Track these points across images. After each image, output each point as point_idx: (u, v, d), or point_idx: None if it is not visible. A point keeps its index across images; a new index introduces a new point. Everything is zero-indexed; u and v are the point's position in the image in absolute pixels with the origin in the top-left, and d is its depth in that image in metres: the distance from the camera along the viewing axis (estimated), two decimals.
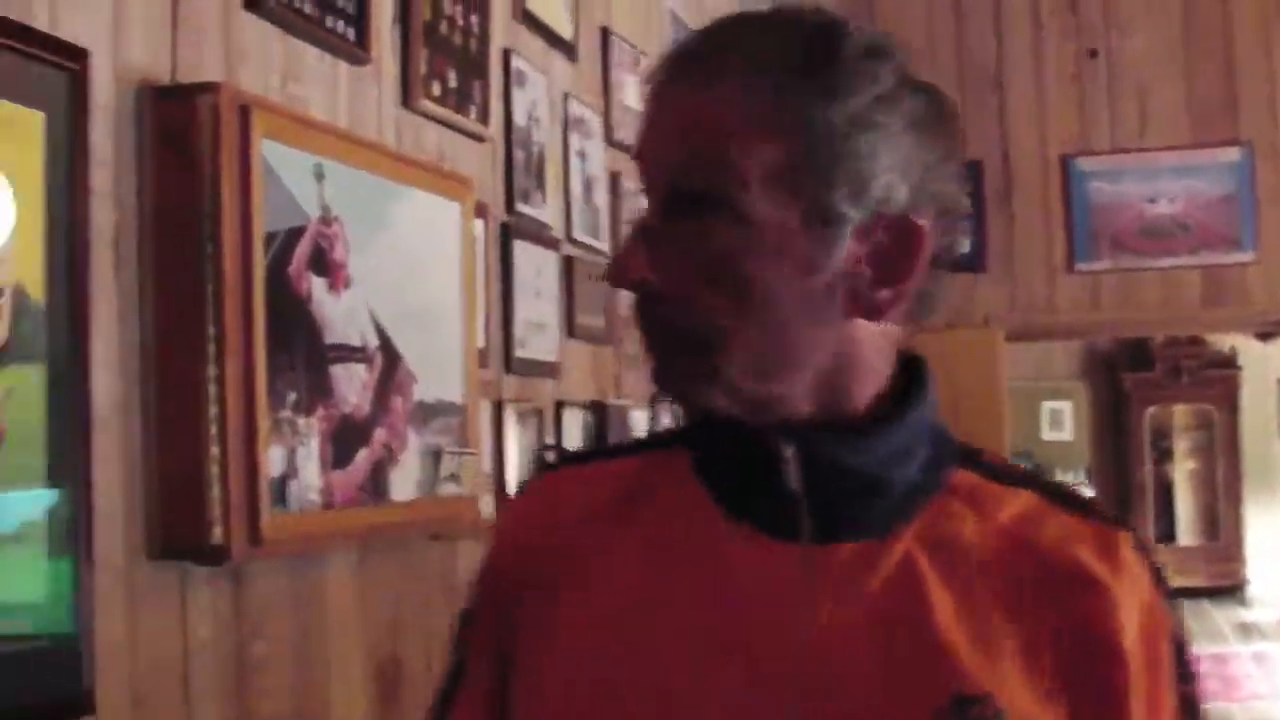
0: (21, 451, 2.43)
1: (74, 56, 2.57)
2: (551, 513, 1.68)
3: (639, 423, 5.60)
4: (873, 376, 1.55)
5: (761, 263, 1.45)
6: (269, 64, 3.20)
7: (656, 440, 1.69)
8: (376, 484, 3.39)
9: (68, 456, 2.52)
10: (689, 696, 1.47)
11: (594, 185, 5.28)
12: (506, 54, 4.49)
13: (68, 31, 2.57)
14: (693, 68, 1.49)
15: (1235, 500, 19.02)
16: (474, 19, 4.18)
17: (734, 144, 1.44)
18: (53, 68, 2.53)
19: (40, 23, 2.51)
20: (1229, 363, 18.79)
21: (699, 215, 1.45)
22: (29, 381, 2.46)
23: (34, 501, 2.47)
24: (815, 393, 1.52)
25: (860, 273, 1.48)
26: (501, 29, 4.46)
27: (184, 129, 2.80)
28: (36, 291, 2.48)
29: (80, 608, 2.51)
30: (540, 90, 4.75)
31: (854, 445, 1.51)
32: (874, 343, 1.53)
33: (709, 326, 1.47)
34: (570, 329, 4.97)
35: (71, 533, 2.52)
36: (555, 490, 1.72)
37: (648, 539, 1.58)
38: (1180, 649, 1.57)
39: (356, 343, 3.34)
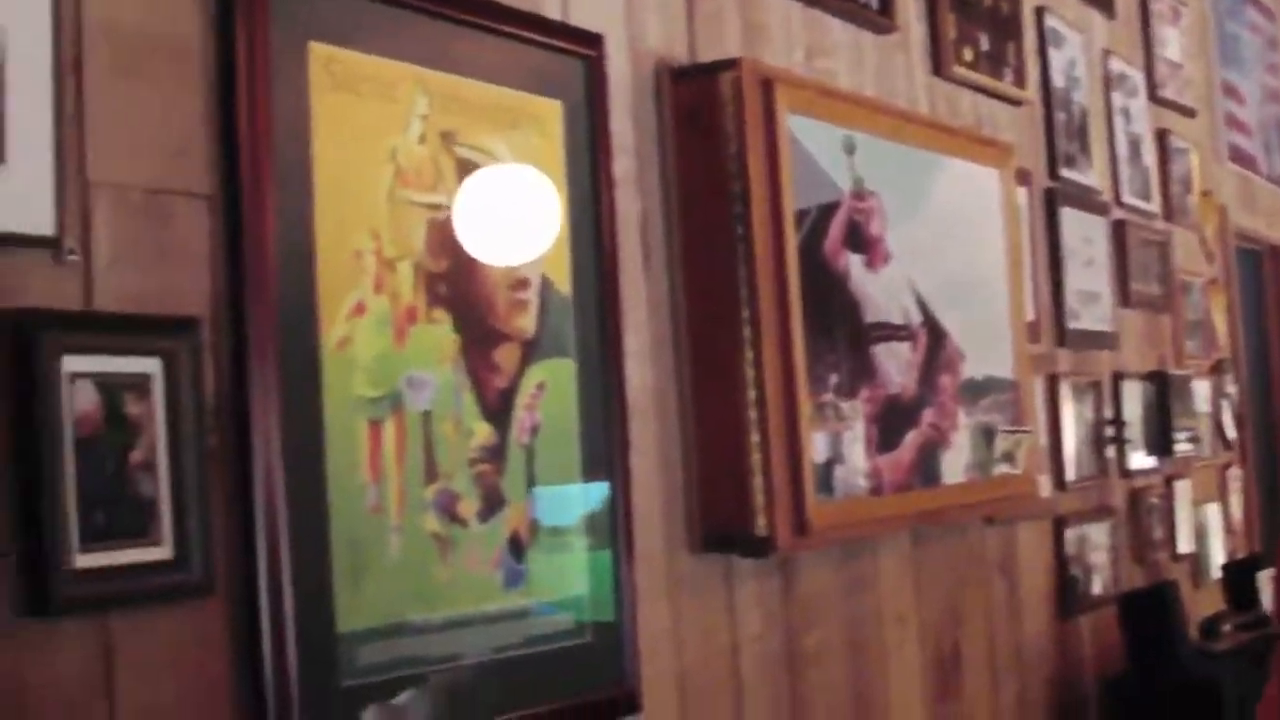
0: (556, 446, 2.27)
1: (589, 43, 2.39)
2: None
3: (1201, 393, 5.08)
4: None
5: None
6: (791, 39, 2.95)
7: None
8: (926, 467, 3.09)
9: (603, 449, 2.34)
10: None
11: (1140, 145, 4.80)
12: (1039, 13, 4.09)
13: (581, 19, 2.39)
14: None
15: None
16: None
17: None
18: (568, 56, 2.36)
19: (552, 11, 2.35)
20: None
21: None
22: (560, 375, 2.29)
23: (583, 496, 2.31)
24: None
25: None
26: None
27: (706, 108, 2.58)
28: (563, 284, 2.31)
29: (622, 602, 2.33)
30: (1077, 49, 4.32)
31: None
32: None
33: None
34: (1125, 297, 4.51)
35: (611, 526, 2.34)
36: None
37: None
38: None
39: (899, 320, 3.06)
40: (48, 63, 1.60)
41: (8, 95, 1.56)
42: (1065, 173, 4.14)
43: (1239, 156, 5.92)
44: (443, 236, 2.09)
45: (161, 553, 1.67)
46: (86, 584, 1.58)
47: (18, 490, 1.54)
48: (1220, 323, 5.49)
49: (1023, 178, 3.76)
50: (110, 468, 1.63)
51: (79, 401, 1.60)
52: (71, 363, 1.59)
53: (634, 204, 2.49)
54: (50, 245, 1.59)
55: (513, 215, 2.22)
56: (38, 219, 1.58)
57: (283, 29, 1.86)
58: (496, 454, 2.15)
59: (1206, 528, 5.05)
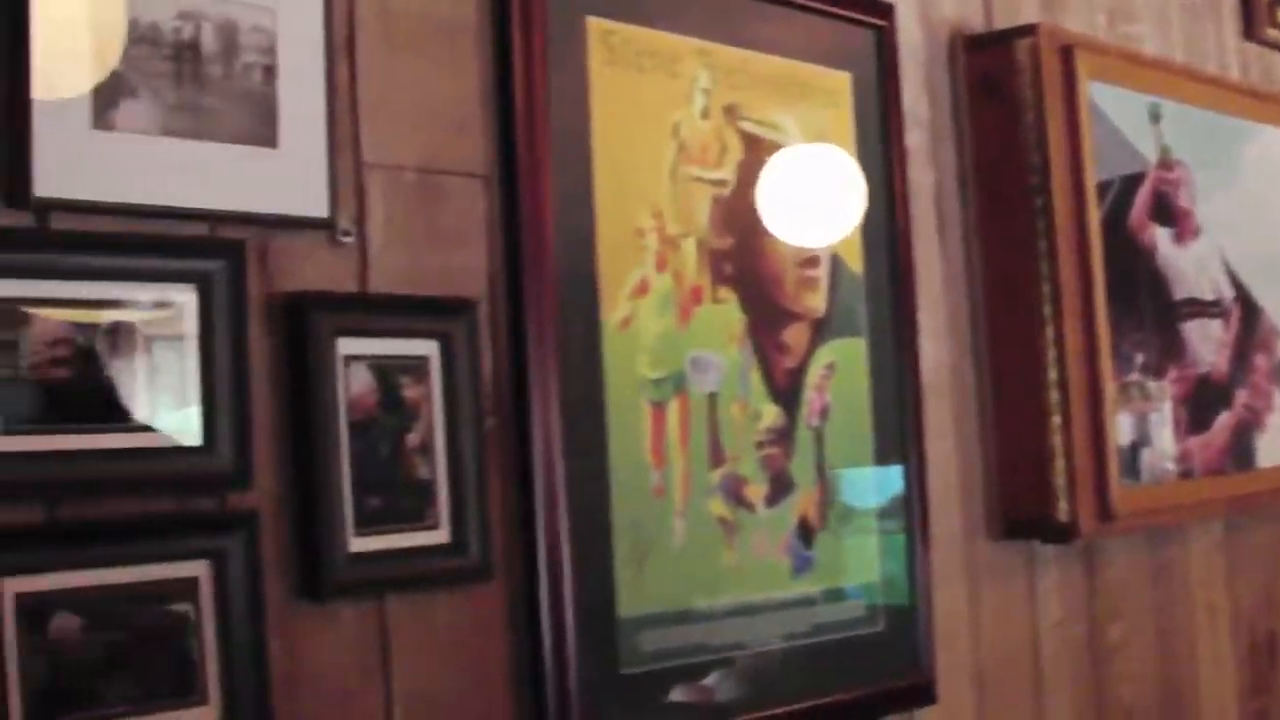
0: (847, 428, 2.10)
1: (880, 13, 2.22)
2: None
3: None
4: None
5: None
6: (1092, 4, 2.71)
7: None
8: (1240, 450, 2.81)
9: (896, 431, 2.16)
10: None
11: None
12: None
13: None
14: None
15: None
16: None
17: None
18: (858, 26, 2.19)
19: None
20: None
21: None
22: (851, 355, 2.13)
23: (875, 479, 2.14)
24: None
25: None
26: None
27: (1002, 77, 2.37)
28: (854, 260, 2.14)
29: (918, 590, 2.15)
30: None
31: None
32: None
33: None
34: None
35: (905, 510, 2.16)
36: None
37: None
38: None
39: (1209, 296, 2.78)
40: (319, 42, 1.51)
41: (280, 77, 1.48)
42: None
43: None
44: (727, 213, 1.95)
45: (438, 536, 1.57)
46: (362, 567, 1.50)
47: (294, 473, 1.46)
48: None
49: None
50: (386, 451, 1.54)
51: (354, 384, 1.51)
52: (347, 345, 1.51)
53: (927, 177, 2.30)
54: (325, 227, 1.51)
55: (817, 197, 2.07)
56: (312, 201, 1.50)
57: (559, 3, 1.74)
58: (784, 436, 2.00)
59: None
